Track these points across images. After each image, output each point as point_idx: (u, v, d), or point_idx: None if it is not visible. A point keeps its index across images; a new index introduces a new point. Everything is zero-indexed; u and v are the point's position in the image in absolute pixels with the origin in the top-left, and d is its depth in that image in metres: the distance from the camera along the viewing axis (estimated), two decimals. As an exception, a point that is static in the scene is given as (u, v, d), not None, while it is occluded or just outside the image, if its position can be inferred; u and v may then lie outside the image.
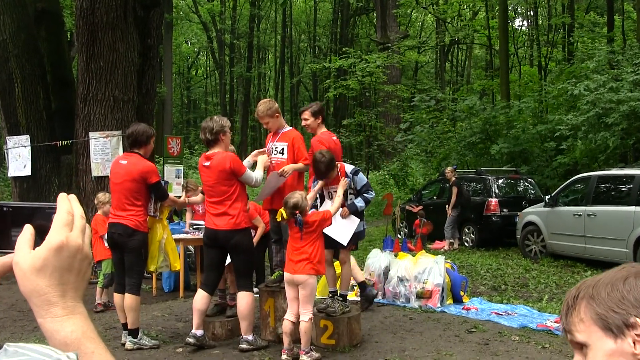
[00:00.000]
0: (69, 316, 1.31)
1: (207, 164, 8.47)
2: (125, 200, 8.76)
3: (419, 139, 31.44)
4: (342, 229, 9.12)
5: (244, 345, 8.54)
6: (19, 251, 1.34)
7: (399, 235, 21.44)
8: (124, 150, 13.96)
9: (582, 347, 1.88)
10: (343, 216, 9.07)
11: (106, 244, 10.59)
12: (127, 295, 8.81)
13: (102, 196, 11.61)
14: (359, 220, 9.26)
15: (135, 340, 8.84)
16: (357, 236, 9.30)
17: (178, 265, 10.15)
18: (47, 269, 1.30)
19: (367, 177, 11.07)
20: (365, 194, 9.07)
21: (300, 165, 9.12)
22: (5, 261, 1.41)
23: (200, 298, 8.57)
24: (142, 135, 8.90)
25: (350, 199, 9.09)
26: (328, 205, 9.09)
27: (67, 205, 1.39)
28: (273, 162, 9.25)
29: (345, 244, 9.14)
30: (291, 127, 9.57)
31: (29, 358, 0.99)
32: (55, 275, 1.31)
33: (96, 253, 11.43)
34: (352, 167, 9.29)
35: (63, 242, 1.32)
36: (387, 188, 33.52)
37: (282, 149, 9.17)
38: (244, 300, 8.46)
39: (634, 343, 1.75)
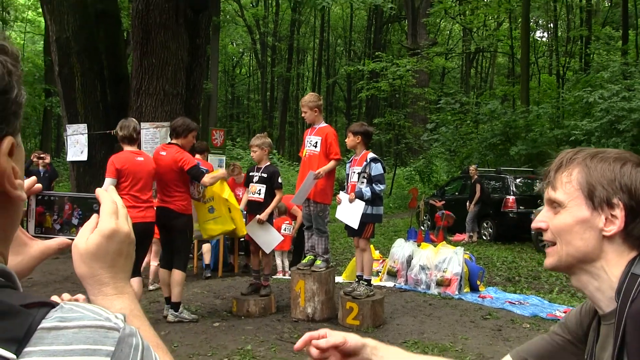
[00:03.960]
0: (118, 295, 1.35)
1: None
2: (168, 188, 8.92)
3: (443, 139, 31.35)
4: (351, 213, 9.13)
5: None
6: (79, 236, 1.37)
7: (422, 227, 21.37)
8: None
9: (554, 204, 1.90)
10: (351, 200, 9.06)
11: None
12: (174, 270, 8.97)
13: None
14: (364, 204, 9.07)
15: (176, 313, 8.95)
16: (374, 218, 9.25)
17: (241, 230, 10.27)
18: (100, 253, 1.34)
19: (394, 173, 11.03)
20: (374, 184, 8.99)
21: (331, 164, 9.19)
22: (66, 242, 1.50)
23: None
24: (180, 127, 9.03)
25: (360, 186, 9.04)
26: (345, 199, 9.12)
27: (109, 196, 1.42)
28: (308, 153, 9.29)
29: (356, 227, 9.06)
30: (327, 124, 9.59)
31: (81, 315, 1.00)
32: (107, 259, 1.35)
33: None
34: (375, 156, 9.25)
35: (114, 229, 1.36)
36: (413, 183, 33.42)
37: (316, 142, 9.21)
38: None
39: (606, 220, 1.79)
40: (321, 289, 9.20)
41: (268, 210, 9.71)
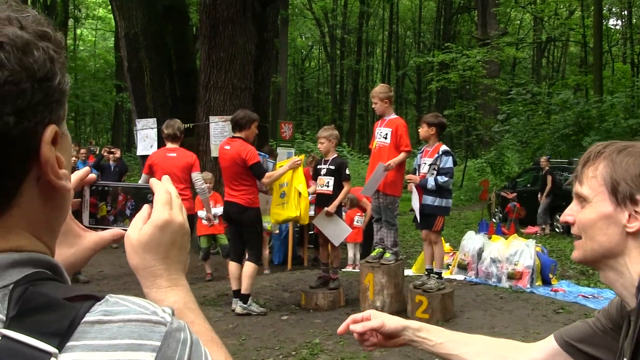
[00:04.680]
0: (172, 287, 1.32)
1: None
2: (234, 182, 8.95)
3: (515, 130, 31.09)
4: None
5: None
6: (132, 227, 1.35)
7: (493, 220, 21.20)
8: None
9: (581, 199, 1.92)
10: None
11: (204, 221, 11.00)
12: (247, 263, 9.05)
13: (204, 175, 11.67)
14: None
15: (245, 305, 9.01)
16: (443, 211, 9.14)
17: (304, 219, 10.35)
18: (154, 244, 1.31)
19: (465, 165, 10.95)
20: (439, 176, 8.87)
21: (402, 156, 9.09)
22: (120, 232, 1.47)
23: None
24: (242, 119, 9.03)
25: (432, 174, 8.93)
26: (415, 199, 9.07)
27: (163, 186, 1.39)
28: (377, 145, 9.24)
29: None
30: (397, 116, 9.52)
31: (127, 309, 0.97)
32: (160, 250, 1.32)
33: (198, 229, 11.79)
34: (447, 149, 9.14)
35: (167, 219, 1.33)
36: (484, 175, 33.23)
37: (386, 134, 9.15)
38: None
39: (629, 217, 1.79)
40: (390, 282, 9.14)
41: (336, 202, 9.69)
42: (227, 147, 8.95)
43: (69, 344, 0.91)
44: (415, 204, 9.10)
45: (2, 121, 0.96)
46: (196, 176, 9.80)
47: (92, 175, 1.51)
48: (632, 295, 1.82)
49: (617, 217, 1.81)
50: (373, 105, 9.49)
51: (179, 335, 1.00)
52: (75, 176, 1.47)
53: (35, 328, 0.92)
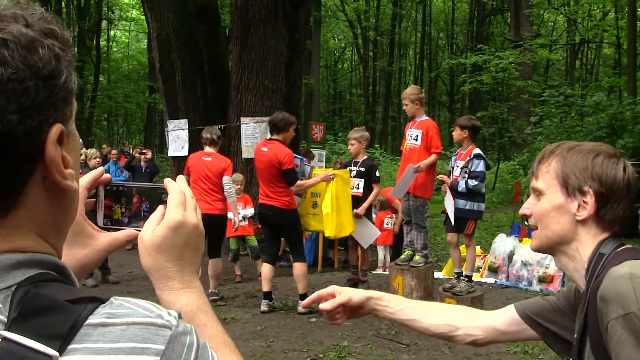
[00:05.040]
0: (185, 289, 1.31)
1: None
2: (271, 184, 8.99)
3: (547, 132, 30.88)
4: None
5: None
6: (145, 227, 1.35)
7: (525, 222, 21.06)
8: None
9: (537, 192, 2.18)
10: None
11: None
12: (295, 264, 9.15)
13: (235, 176, 11.83)
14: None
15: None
16: (475, 214, 9.08)
17: (330, 234, 10.29)
18: (166, 245, 1.31)
19: (497, 167, 10.92)
20: (469, 180, 8.81)
21: (432, 158, 9.07)
22: (134, 233, 1.46)
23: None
24: (280, 121, 9.05)
25: (463, 177, 8.88)
26: (449, 201, 9.00)
27: (177, 186, 1.38)
28: (408, 146, 9.22)
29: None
30: (428, 117, 9.48)
31: (131, 311, 0.96)
32: (173, 252, 1.31)
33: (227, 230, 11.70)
34: (480, 152, 9.08)
35: (180, 220, 1.32)
36: (517, 177, 33.04)
37: (417, 135, 9.13)
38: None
39: (578, 206, 2.05)
40: (419, 285, 9.11)
41: (365, 204, 9.71)
42: (265, 149, 8.99)
43: (71, 346, 0.90)
44: (449, 206, 9.06)
45: (6, 120, 0.96)
46: (226, 180, 9.93)
47: (107, 175, 1.51)
48: (582, 278, 2.05)
49: (568, 207, 2.07)
50: (404, 107, 9.49)
51: (185, 339, 0.98)
52: (89, 176, 1.47)
53: (36, 330, 0.91)
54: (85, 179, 1.46)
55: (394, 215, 12.94)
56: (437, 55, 63.20)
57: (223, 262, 10.88)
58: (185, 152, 15.53)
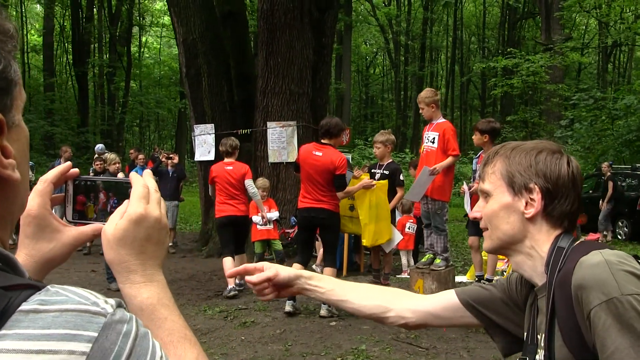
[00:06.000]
0: (146, 283, 1.31)
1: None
2: (323, 187, 9.08)
3: (577, 135, 30.68)
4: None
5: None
6: (109, 221, 1.36)
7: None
8: (298, 140, 14.65)
9: (485, 195, 2.17)
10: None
11: (258, 226, 11.88)
12: (325, 269, 9.18)
13: (261, 181, 12.29)
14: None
15: (329, 308, 9.17)
16: None
17: (367, 243, 10.43)
18: (128, 239, 1.32)
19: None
20: None
21: (449, 160, 8.98)
22: (100, 227, 1.43)
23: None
24: (334, 127, 9.17)
25: None
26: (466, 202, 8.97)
27: (141, 180, 1.39)
28: (425, 149, 9.19)
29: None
30: (445, 120, 9.42)
31: (65, 298, 0.96)
32: (135, 245, 1.32)
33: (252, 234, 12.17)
34: None
35: (142, 214, 1.33)
36: (548, 182, 32.81)
37: (434, 138, 9.08)
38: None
39: (526, 204, 2.06)
40: (440, 289, 9.03)
41: (389, 207, 9.66)
42: (319, 154, 9.06)
43: (1, 332, 0.90)
44: (467, 206, 9.04)
45: None
46: (248, 182, 10.83)
47: (75, 170, 1.51)
48: (540, 274, 2.05)
49: (515, 206, 2.07)
50: (420, 111, 9.41)
51: (121, 327, 0.97)
52: (56, 171, 1.48)
53: None
54: (51, 174, 1.47)
55: (417, 220, 12.89)
56: (469, 60, 62.90)
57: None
58: (211, 157, 15.58)
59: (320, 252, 12.43)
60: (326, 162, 8.89)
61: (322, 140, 9.18)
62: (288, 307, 9.18)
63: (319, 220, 9.13)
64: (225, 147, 11.11)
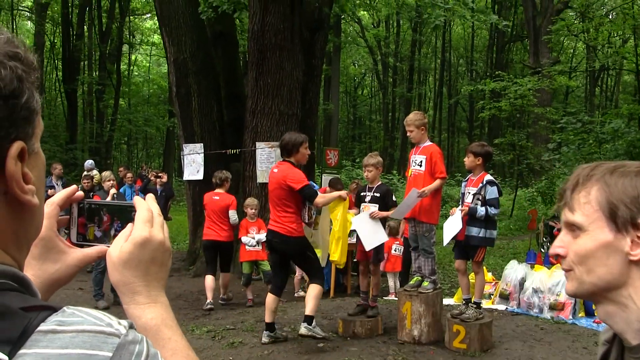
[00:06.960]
0: (150, 304, 1.36)
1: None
2: (278, 207, 8.76)
3: (565, 159, 30.72)
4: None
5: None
6: (114, 244, 1.41)
7: (542, 250, 20.95)
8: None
9: (573, 227, 1.71)
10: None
11: (247, 247, 11.95)
12: (311, 285, 8.95)
13: (249, 201, 12.68)
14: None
15: (310, 327, 8.77)
16: (488, 242, 9.08)
17: (337, 258, 10.42)
18: (133, 261, 1.36)
19: (515, 194, 10.91)
20: (489, 207, 8.82)
21: (437, 183, 8.96)
22: (104, 249, 1.48)
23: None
24: (287, 144, 8.82)
25: (475, 204, 8.88)
26: (457, 218, 8.99)
27: (145, 204, 1.44)
28: (413, 172, 9.20)
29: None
30: (432, 143, 9.42)
31: (81, 320, 1.00)
32: (140, 267, 1.37)
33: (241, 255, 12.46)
34: (492, 178, 9.07)
35: (147, 237, 1.37)
36: (535, 204, 32.77)
37: (421, 161, 9.07)
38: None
39: (632, 243, 1.60)
40: (428, 311, 9.08)
41: (383, 213, 9.53)
42: (275, 171, 8.86)
43: (21, 351, 0.93)
44: (450, 228, 9.05)
45: None
46: (231, 213, 12.27)
47: (80, 193, 1.55)
48: (635, 331, 1.62)
49: (618, 245, 1.62)
50: (408, 134, 9.31)
51: (134, 348, 1.02)
52: (62, 194, 1.52)
53: None
54: (58, 197, 1.51)
55: (403, 242, 12.88)
56: (457, 82, 63.06)
57: (236, 286, 12.27)
58: (200, 176, 15.61)
59: (298, 272, 12.81)
60: (279, 179, 8.60)
61: (283, 158, 8.93)
62: (264, 339, 8.91)
63: (275, 244, 8.88)
64: (215, 179, 12.47)
